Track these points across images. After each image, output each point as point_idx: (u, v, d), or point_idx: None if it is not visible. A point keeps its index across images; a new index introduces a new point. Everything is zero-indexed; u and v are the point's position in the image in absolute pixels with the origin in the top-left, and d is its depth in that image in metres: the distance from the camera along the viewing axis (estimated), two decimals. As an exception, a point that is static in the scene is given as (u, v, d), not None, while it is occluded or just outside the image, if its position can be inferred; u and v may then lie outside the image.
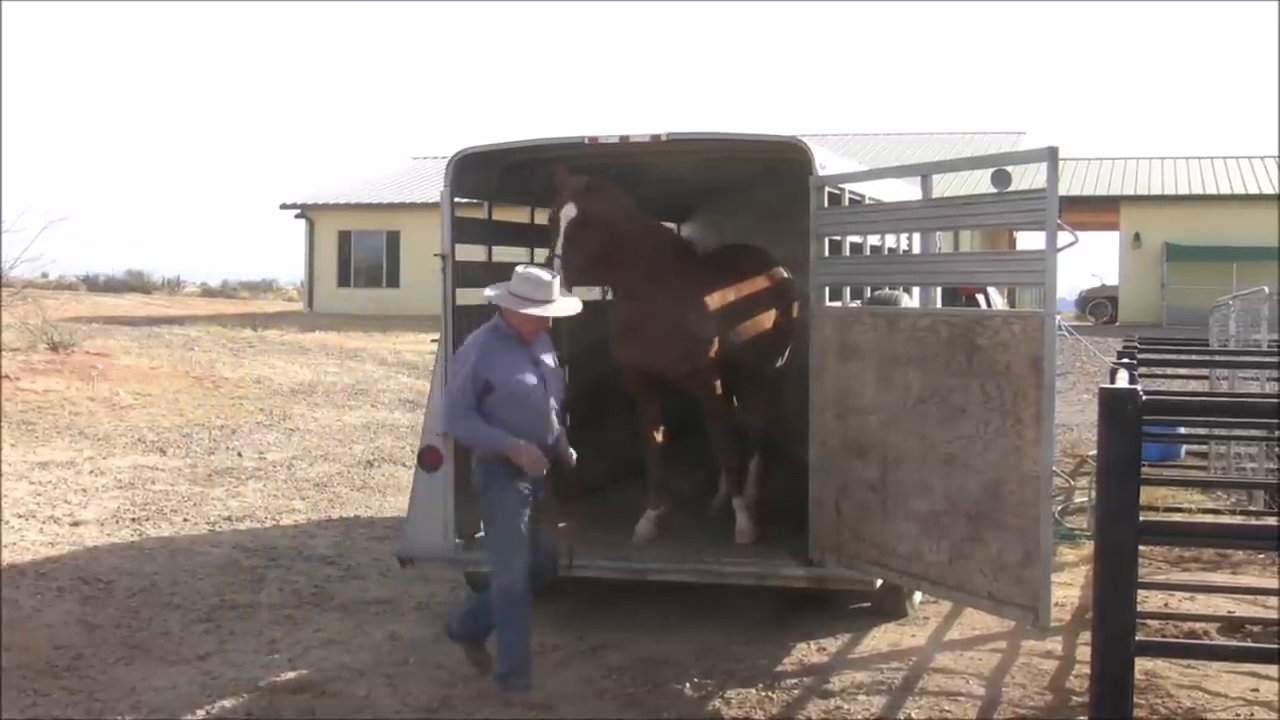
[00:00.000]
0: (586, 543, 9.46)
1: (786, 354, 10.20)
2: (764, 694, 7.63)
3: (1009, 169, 11.25)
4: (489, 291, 7.74)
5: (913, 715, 7.29)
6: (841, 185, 8.84)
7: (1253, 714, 7.30)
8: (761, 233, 11.14)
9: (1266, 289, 14.75)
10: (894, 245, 9.79)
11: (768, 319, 9.95)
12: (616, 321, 9.51)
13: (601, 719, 7.27)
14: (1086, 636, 7.40)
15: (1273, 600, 9.16)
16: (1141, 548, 6.37)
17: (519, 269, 7.74)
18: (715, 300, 9.47)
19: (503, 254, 10.50)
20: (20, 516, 12.45)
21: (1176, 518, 10.97)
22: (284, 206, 47.51)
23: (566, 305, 7.79)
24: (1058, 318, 7.20)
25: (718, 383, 9.54)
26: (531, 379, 7.58)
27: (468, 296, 9.53)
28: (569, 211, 8.78)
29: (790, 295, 10.18)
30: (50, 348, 22.28)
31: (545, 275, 7.70)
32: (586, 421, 10.31)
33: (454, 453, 9.09)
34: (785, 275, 10.28)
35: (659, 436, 9.60)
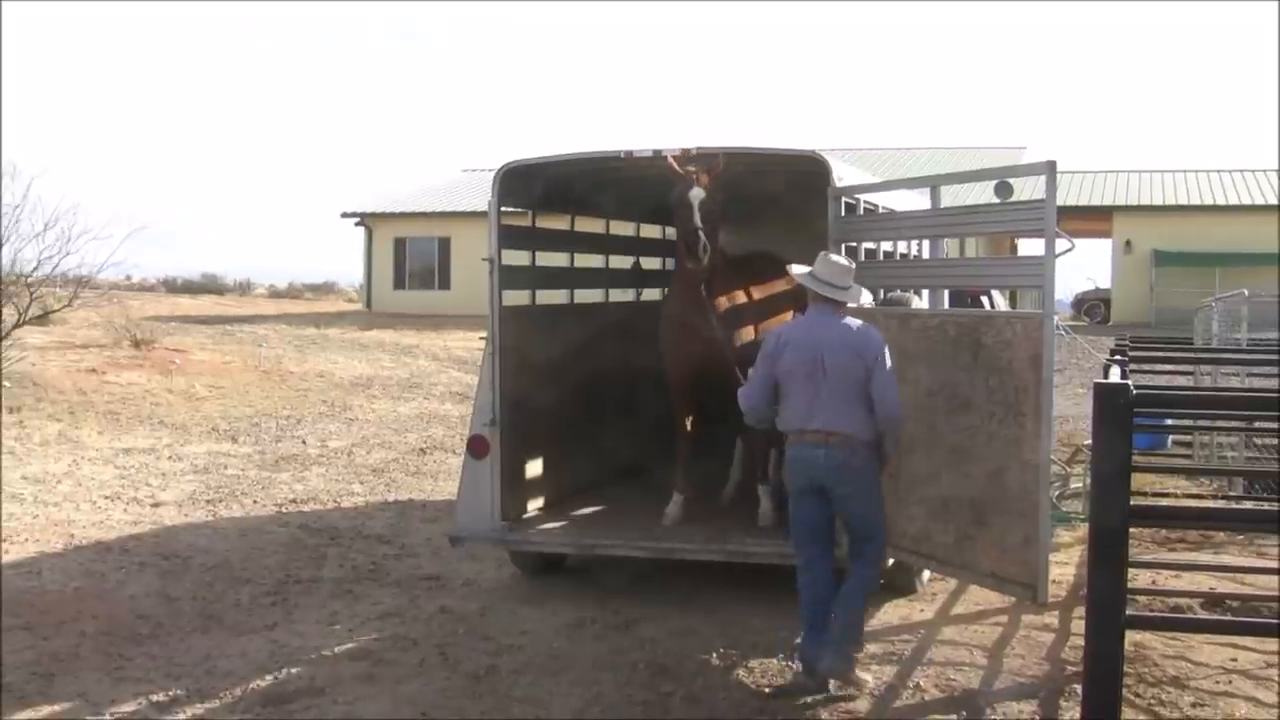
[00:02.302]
0: (618, 525, 9.47)
1: None
2: (785, 663, 7.59)
3: (1011, 181, 11.22)
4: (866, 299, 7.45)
5: (921, 683, 7.25)
6: (857, 195, 8.82)
7: (1231, 681, 7.26)
8: (781, 239, 11.11)
9: (1245, 292, 14.64)
10: (905, 251, 9.76)
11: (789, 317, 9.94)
12: (676, 315, 9.33)
13: (635, 686, 7.26)
14: (1081, 611, 7.35)
15: (1251, 577, 9.14)
16: (1131, 529, 6.33)
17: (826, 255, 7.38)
18: (760, 299, 9.47)
19: (545, 259, 10.53)
20: (106, 498, 12.55)
21: (1165, 502, 10.90)
22: (345, 215, 47.61)
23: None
24: (1055, 318, 7.15)
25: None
26: None
27: (513, 298, 9.55)
28: (698, 194, 8.70)
29: (804, 296, 10.14)
30: (133, 344, 22.41)
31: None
32: (587, 421, 10.30)
33: (500, 442, 9.11)
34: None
35: (690, 426, 9.56)
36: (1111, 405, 5.93)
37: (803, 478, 7.16)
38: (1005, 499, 7.08)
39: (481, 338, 9.82)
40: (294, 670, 7.58)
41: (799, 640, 7.30)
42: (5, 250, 19.23)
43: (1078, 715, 6.32)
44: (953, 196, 8.46)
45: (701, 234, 8.62)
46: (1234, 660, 7.56)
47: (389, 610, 8.90)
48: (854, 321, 7.20)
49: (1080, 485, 12.57)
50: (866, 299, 7.61)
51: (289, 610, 8.90)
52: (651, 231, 12.61)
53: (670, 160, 8.79)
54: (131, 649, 7.94)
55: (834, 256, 7.42)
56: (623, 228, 12.16)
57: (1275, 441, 12.13)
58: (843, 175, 8.60)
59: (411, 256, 46.62)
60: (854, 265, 7.50)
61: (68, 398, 17.80)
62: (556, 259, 10.88)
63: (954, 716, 6.81)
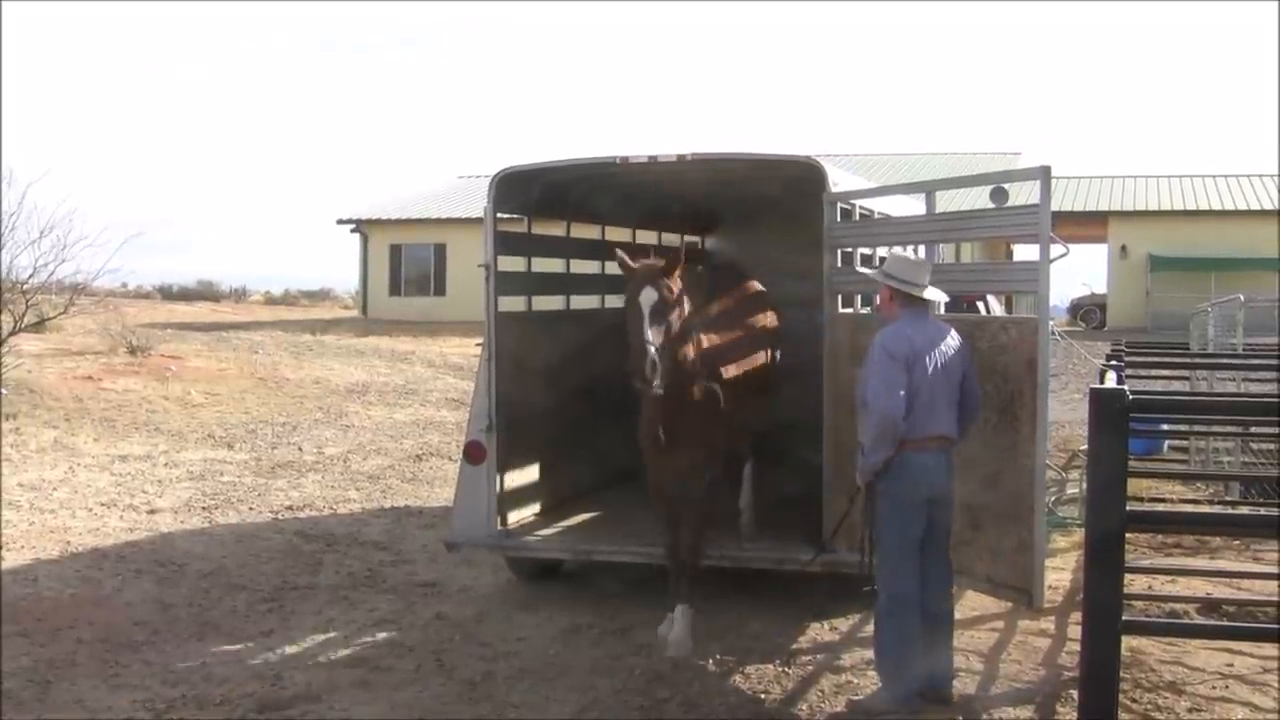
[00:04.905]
0: (614, 531, 9.46)
1: (776, 356, 9.97)
2: (780, 669, 7.61)
3: (1006, 186, 11.21)
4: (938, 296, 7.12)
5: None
6: (852, 201, 8.82)
7: (1228, 686, 7.28)
8: (776, 244, 11.11)
9: (1241, 297, 14.65)
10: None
11: (756, 337, 9.61)
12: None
13: (631, 692, 7.26)
14: (1077, 616, 7.36)
15: (1247, 582, 9.14)
16: (1127, 534, 6.34)
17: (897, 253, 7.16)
18: (728, 330, 9.16)
19: (541, 264, 10.53)
20: (103, 505, 12.53)
21: (1161, 507, 10.90)
22: (340, 221, 47.67)
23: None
24: (1051, 323, 7.16)
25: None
26: None
27: (509, 304, 9.55)
28: (649, 296, 8.24)
29: (766, 306, 9.81)
30: (129, 351, 22.41)
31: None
32: (583, 426, 10.28)
33: (496, 448, 9.11)
34: (760, 289, 9.90)
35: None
36: (1108, 410, 5.94)
37: (924, 486, 6.86)
38: (1001, 504, 7.09)
39: (477, 344, 9.84)
40: (290, 677, 7.57)
41: (903, 673, 6.96)
42: (1, 257, 19.22)
43: (1074, 720, 6.33)
44: (948, 201, 8.48)
45: (651, 350, 7.38)
46: (1230, 665, 7.58)
47: (385, 617, 8.90)
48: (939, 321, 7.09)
49: (1076, 490, 12.58)
50: (943, 296, 7.35)
51: (285, 617, 8.90)
52: (647, 237, 12.62)
53: (620, 256, 8.03)
54: (128, 656, 7.94)
55: (906, 254, 7.22)
56: (618, 233, 12.16)
57: (1271, 446, 12.13)
58: (838, 180, 8.60)
59: (407, 263, 46.66)
60: (929, 261, 7.32)
61: (64, 404, 17.79)
62: (552, 265, 10.89)
63: (950, 721, 6.82)
